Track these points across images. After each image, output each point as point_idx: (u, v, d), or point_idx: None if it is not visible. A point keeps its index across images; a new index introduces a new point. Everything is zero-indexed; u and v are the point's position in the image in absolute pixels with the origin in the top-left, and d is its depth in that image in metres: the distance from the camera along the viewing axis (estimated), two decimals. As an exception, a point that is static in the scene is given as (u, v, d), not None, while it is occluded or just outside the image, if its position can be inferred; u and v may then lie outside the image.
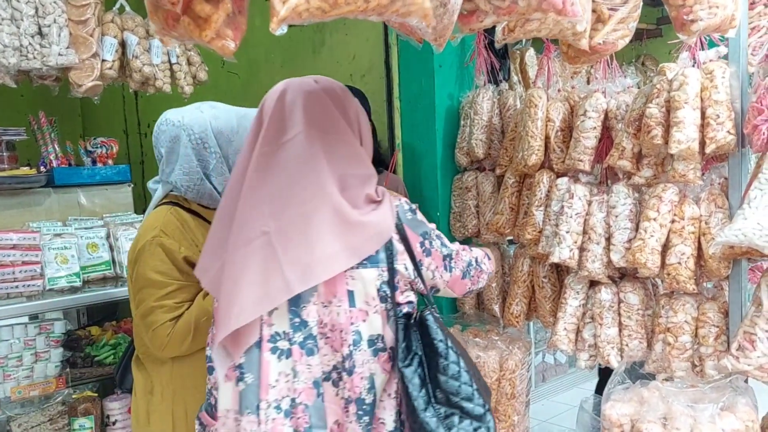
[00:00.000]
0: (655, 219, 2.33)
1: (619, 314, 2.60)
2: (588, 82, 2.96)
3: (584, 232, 2.61)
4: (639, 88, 2.69)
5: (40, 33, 2.55)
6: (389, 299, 1.74)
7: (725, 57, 2.23)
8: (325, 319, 1.69)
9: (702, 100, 2.21)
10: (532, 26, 1.61)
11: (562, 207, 2.65)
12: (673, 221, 2.33)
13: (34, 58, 2.53)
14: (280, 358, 1.67)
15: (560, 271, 2.91)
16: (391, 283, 1.74)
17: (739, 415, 2.06)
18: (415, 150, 3.37)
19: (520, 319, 3.04)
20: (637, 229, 2.43)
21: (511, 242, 3.29)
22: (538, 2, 1.38)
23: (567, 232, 2.61)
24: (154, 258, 2.09)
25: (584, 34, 1.63)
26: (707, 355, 2.29)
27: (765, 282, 2.03)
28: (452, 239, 3.34)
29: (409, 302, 1.80)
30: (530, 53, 3.51)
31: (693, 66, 2.27)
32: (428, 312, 1.79)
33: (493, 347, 3.00)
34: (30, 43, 2.52)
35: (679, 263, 2.30)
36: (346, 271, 1.67)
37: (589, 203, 2.61)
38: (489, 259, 2.15)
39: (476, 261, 2.04)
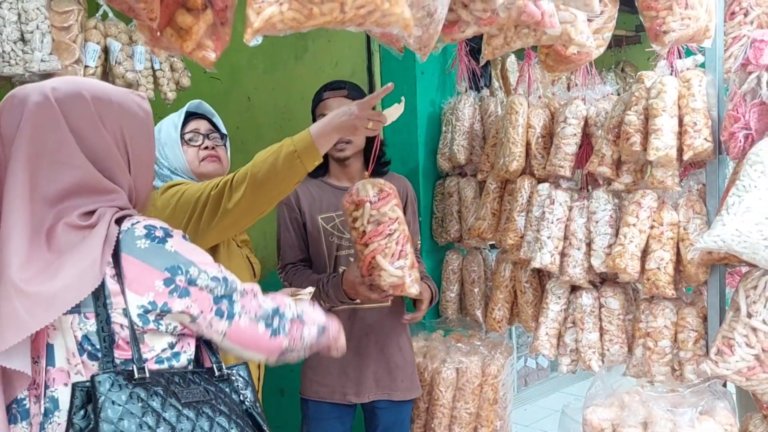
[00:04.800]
0: (634, 225, 2.36)
1: (600, 319, 2.62)
2: (568, 89, 3.00)
3: (565, 238, 2.63)
4: (618, 95, 2.72)
5: (23, 39, 2.53)
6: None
7: (702, 65, 2.26)
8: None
9: (679, 107, 2.24)
10: (498, 41, 1.64)
11: (543, 212, 2.67)
12: (652, 227, 2.36)
13: (17, 64, 2.52)
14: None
15: (542, 276, 2.93)
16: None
17: (718, 419, 2.09)
18: (397, 156, 3.38)
19: (502, 323, 3.06)
20: (617, 234, 2.46)
21: (493, 247, 3.30)
22: (518, 14, 1.40)
23: (548, 238, 2.62)
24: None
25: (572, 39, 1.64)
26: (686, 360, 2.32)
27: (743, 287, 2.05)
28: (435, 244, 3.36)
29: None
30: (511, 60, 3.53)
31: (671, 74, 2.30)
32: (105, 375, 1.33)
33: (476, 352, 3.01)
34: (12, 49, 2.51)
35: (659, 268, 2.33)
36: None
37: (570, 209, 2.63)
38: (318, 322, 1.65)
39: (297, 315, 1.59)
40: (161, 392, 1.36)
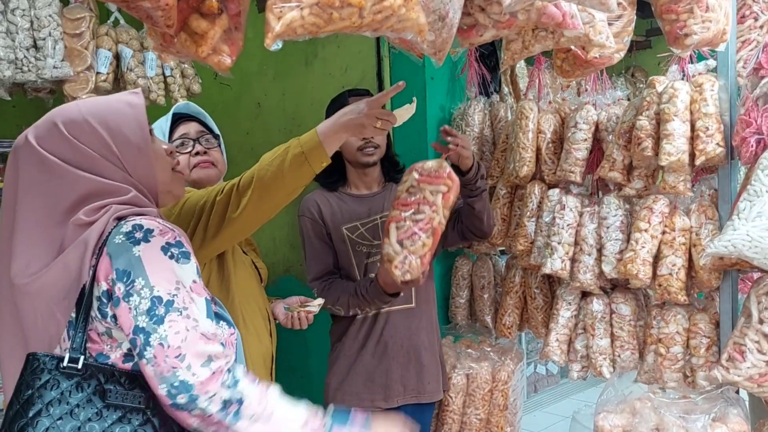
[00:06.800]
0: (646, 230, 2.35)
1: (611, 325, 2.61)
2: (578, 94, 2.99)
3: (576, 243, 2.62)
4: (629, 100, 2.71)
5: (35, 46, 2.55)
6: None
7: (714, 70, 2.25)
8: None
9: (691, 112, 2.24)
10: (516, 46, 1.65)
11: (554, 218, 2.66)
12: (663, 232, 2.35)
13: (29, 70, 2.54)
14: None
15: (552, 282, 2.92)
16: None
17: (731, 426, 2.08)
18: (407, 161, 3.38)
19: (512, 330, 3.05)
20: (628, 240, 2.45)
21: (503, 253, 3.30)
22: (537, 16, 1.40)
23: (559, 243, 2.62)
24: None
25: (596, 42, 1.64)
26: (698, 366, 2.30)
27: (755, 293, 2.04)
28: (444, 250, 3.35)
29: None
30: (521, 65, 3.53)
31: (682, 79, 2.29)
32: None
33: (486, 358, 3.00)
34: (25, 56, 2.53)
35: (670, 274, 2.32)
36: None
37: (581, 214, 2.63)
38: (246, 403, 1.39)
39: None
40: (88, 387, 1.36)
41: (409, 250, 2.10)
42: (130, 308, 1.34)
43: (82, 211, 1.43)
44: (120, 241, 1.38)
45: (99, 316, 1.38)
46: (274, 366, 2.37)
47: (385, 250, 2.14)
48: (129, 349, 1.40)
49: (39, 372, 1.34)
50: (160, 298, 1.36)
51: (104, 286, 1.37)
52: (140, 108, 1.52)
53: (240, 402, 1.37)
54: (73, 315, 1.39)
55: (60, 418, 1.32)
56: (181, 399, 1.32)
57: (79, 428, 1.33)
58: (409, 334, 2.69)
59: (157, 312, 1.34)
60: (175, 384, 1.32)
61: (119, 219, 1.43)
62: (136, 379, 1.39)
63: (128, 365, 1.40)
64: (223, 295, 2.17)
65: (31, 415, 1.31)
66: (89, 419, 1.34)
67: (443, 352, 3.01)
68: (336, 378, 2.71)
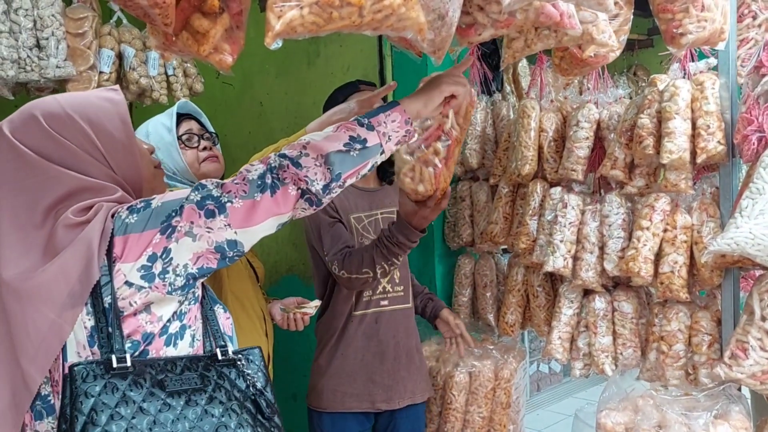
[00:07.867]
0: (647, 228, 2.35)
1: (613, 323, 2.61)
2: (580, 93, 2.99)
3: (578, 242, 2.62)
4: (631, 98, 2.71)
5: (38, 45, 2.57)
6: None
7: (715, 68, 2.26)
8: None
9: (693, 110, 2.24)
10: (518, 44, 1.65)
11: (556, 216, 2.66)
12: (665, 230, 2.35)
13: (32, 70, 2.55)
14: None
15: (554, 280, 2.92)
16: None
17: (733, 423, 2.08)
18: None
19: (514, 328, 3.05)
20: (630, 238, 2.45)
21: (505, 251, 3.30)
22: (536, 15, 1.41)
23: (561, 242, 2.62)
24: None
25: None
26: (701, 364, 2.30)
27: (757, 290, 2.04)
28: (447, 249, 3.36)
29: None
30: (523, 64, 3.53)
31: (683, 77, 2.29)
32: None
33: (488, 356, 3.01)
34: (28, 56, 2.54)
35: (672, 272, 2.32)
36: None
37: (583, 212, 2.63)
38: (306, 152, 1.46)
39: (291, 158, 1.44)
40: (144, 382, 1.35)
41: (419, 158, 1.94)
42: (186, 206, 1.39)
43: (70, 210, 1.40)
44: (134, 219, 1.39)
45: (145, 284, 1.37)
46: (271, 365, 2.36)
47: (396, 164, 1.97)
48: (169, 319, 1.42)
49: (91, 380, 1.31)
50: (196, 187, 1.43)
51: (149, 252, 1.37)
52: (122, 104, 1.52)
53: (294, 158, 1.43)
54: (90, 320, 1.37)
55: (133, 417, 1.31)
56: (268, 179, 1.41)
57: (154, 422, 1.32)
58: (407, 335, 2.71)
59: (200, 190, 1.42)
60: (256, 179, 1.41)
61: (113, 216, 1.41)
62: (178, 362, 1.40)
63: (163, 339, 1.41)
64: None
65: (104, 421, 1.28)
66: (160, 410, 1.34)
67: (447, 353, 3.03)
68: (334, 380, 2.66)
